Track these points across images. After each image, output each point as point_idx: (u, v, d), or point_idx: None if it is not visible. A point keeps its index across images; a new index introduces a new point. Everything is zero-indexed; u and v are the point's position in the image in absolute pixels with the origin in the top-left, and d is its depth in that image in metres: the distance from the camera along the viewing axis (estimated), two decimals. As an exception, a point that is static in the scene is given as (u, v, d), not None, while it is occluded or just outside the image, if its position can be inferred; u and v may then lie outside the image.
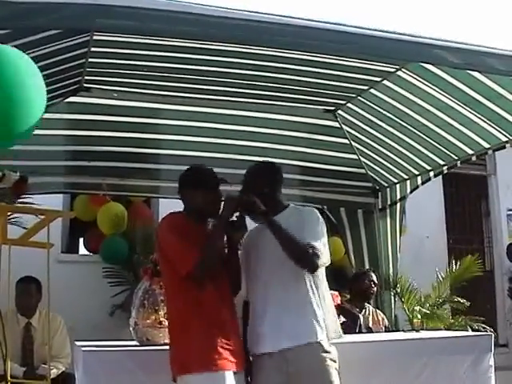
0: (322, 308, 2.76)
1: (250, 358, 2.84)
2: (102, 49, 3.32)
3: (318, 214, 2.87)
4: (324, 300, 2.79)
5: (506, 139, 4.04)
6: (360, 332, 4.29)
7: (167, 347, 2.89)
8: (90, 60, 3.44)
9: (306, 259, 2.69)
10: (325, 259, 2.74)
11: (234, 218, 2.80)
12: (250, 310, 2.87)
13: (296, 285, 2.75)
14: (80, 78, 3.75)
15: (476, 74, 3.31)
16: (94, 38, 3.09)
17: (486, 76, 3.32)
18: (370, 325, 4.53)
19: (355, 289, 4.65)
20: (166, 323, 3.09)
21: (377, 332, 4.41)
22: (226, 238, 2.83)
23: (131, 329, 3.28)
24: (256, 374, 2.80)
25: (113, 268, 5.85)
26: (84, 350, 3.03)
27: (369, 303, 4.68)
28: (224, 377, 2.60)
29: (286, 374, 2.70)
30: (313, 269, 2.73)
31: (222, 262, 2.81)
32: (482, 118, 3.85)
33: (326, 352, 2.72)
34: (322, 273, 2.84)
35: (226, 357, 2.64)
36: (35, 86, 1.96)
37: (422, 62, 3.28)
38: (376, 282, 4.69)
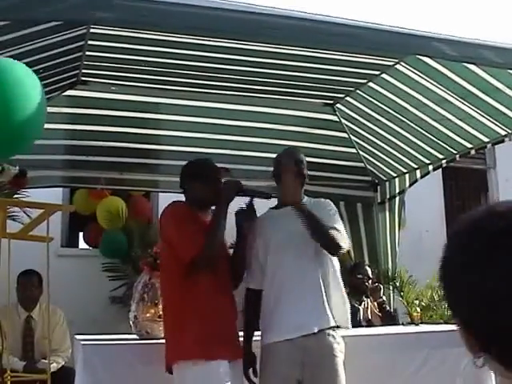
0: (335, 296, 2.86)
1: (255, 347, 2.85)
2: (99, 42, 3.31)
3: (333, 205, 2.99)
4: (337, 289, 2.89)
5: (505, 133, 4.04)
6: (360, 325, 4.30)
7: (166, 341, 2.89)
8: (87, 53, 3.44)
9: (332, 241, 2.79)
10: (346, 243, 2.88)
11: (243, 205, 2.84)
12: (267, 297, 2.86)
13: (315, 273, 2.83)
14: (77, 71, 3.75)
15: (474, 68, 3.31)
16: (91, 31, 3.09)
17: (483, 70, 3.32)
18: (370, 317, 4.53)
19: (349, 283, 4.65)
20: (165, 316, 3.10)
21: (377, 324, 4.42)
22: (237, 228, 2.88)
23: (131, 322, 3.28)
24: (269, 363, 2.79)
25: (112, 262, 5.86)
26: (84, 344, 3.04)
27: (367, 296, 4.67)
28: (218, 365, 2.63)
29: (300, 365, 2.74)
30: (338, 251, 2.84)
31: (223, 249, 2.85)
32: (480, 112, 3.85)
33: (337, 343, 2.79)
34: (337, 262, 2.93)
35: (220, 346, 2.66)
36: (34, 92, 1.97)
37: (420, 55, 3.28)
38: (369, 275, 4.66)
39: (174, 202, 2.89)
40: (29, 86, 1.93)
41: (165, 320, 2.90)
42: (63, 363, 4.35)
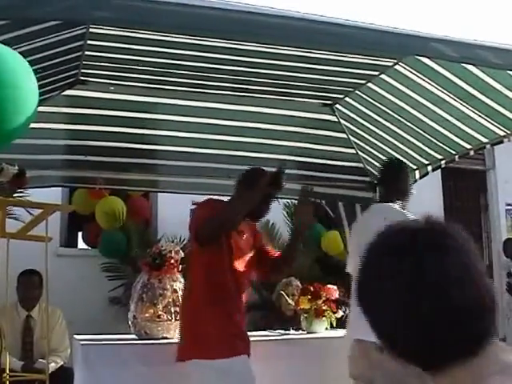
0: None
1: None
2: (98, 42, 3.31)
3: None
4: None
5: (504, 134, 4.04)
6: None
7: (166, 341, 2.91)
8: (87, 53, 3.44)
9: None
10: None
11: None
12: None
13: None
14: (76, 71, 3.75)
15: (473, 69, 3.31)
16: (91, 30, 3.09)
17: (482, 71, 3.32)
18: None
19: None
20: (165, 317, 3.11)
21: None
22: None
23: (130, 322, 3.29)
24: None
25: (111, 262, 5.86)
26: (83, 344, 3.05)
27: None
28: (242, 360, 2.76)
29: None
30: None
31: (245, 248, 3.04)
32: (479, 112, 3.85)
33: None
34: None
35: (242, 342, 2.81)
36: (27, 83, 1.95)
37: (419, 56, 3.28)
38: None
39: (210, 197, 3.03)
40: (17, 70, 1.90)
41: (186, 315, 2.92)
42: (62, 363, 4.35)
